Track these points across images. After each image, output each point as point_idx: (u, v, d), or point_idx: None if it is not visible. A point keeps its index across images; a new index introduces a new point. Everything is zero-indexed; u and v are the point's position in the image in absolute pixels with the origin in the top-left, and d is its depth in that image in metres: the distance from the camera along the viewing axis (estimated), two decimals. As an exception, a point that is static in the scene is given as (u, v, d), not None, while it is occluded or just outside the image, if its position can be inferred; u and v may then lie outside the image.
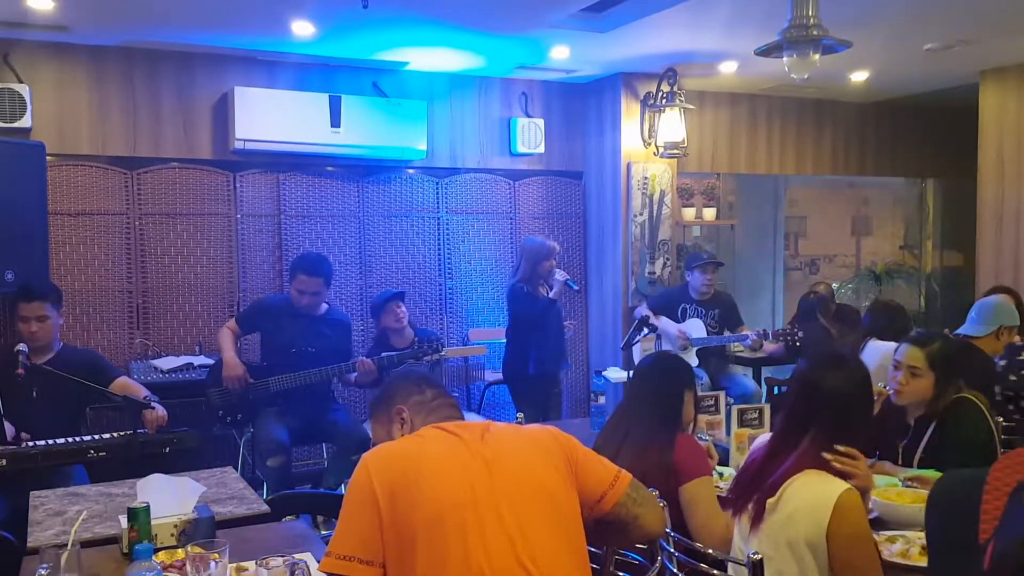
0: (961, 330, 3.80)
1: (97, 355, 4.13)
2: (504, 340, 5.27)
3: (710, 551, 2.14)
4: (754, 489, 2.16)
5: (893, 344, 4.10)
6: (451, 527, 1.64)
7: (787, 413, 2.21)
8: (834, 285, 6.94)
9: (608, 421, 2.89)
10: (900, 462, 2.90)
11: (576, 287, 5.18)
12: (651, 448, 2.60)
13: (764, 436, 2.38)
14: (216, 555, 1.94)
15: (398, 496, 1.67)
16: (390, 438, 1.94)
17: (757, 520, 2.11)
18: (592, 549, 2.62)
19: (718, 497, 2.53)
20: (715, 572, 2.12)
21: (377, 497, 1.67)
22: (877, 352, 4.01)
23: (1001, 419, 3.12)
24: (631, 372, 4.62)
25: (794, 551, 2.00)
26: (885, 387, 2.99)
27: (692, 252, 6.05)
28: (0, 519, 3.20)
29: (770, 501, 2.09)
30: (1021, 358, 3.64)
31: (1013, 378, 3.63)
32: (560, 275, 5.00)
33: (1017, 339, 3.81)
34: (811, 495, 2.02)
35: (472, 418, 4.87)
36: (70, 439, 3.54)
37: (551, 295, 4.99)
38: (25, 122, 4.68)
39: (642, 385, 2.80)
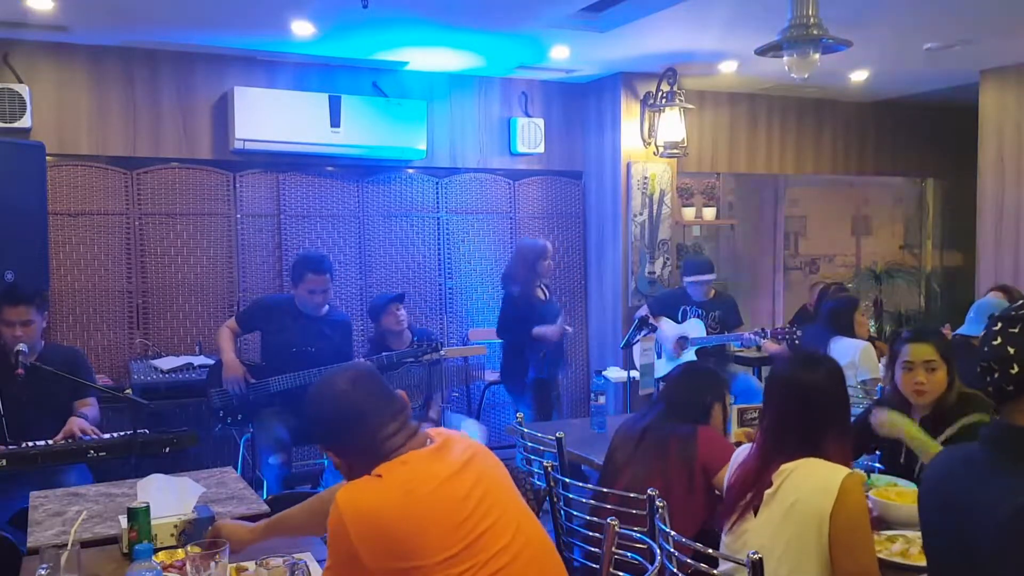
0: (961, 330, 3.81)
1: (81, 356, 4.04)
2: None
3: (710, 551, 2.14)
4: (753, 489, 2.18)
5: (859, 341, 4.28)
6: None
7: (775, 417, 2.22)
8: (843, 284, 6.94)
9: (626, 422, 2.90)
10: (903, 460, 2.89)
11: (571, 329, 5.23)
12: (672, 441, 2.62)
13: (743, 448, 2.39)
14: (216, 555, 1.94)
15: (391, 564, 1.62)
16: (349, 469, 1.80)
17: (751, 510, 2.14)
18: (591, 549, 2.64)
19: (718, 503, 2.53)
20: (715, 572, 2.12)
21: (366, 564, 1.62)
22: (846, 350, 4.12)
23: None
24: (639, 371, 4.64)
25: (801, 537, 2.03)
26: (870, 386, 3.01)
27: (687, 258, 6.03)
28: (0, 519, 3.20)
29: (768, 492, 2.12)
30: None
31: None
32: (559, 327, 4.99)
33: None
34: (815, 480, 2.06)
35: (467, 425, 4.90)
36: (70, 439, 3.54)
37: (547, 335, 4.94)
38: (25, 122, 4.68)
39: (669, 392, 2.86)
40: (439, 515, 1.66)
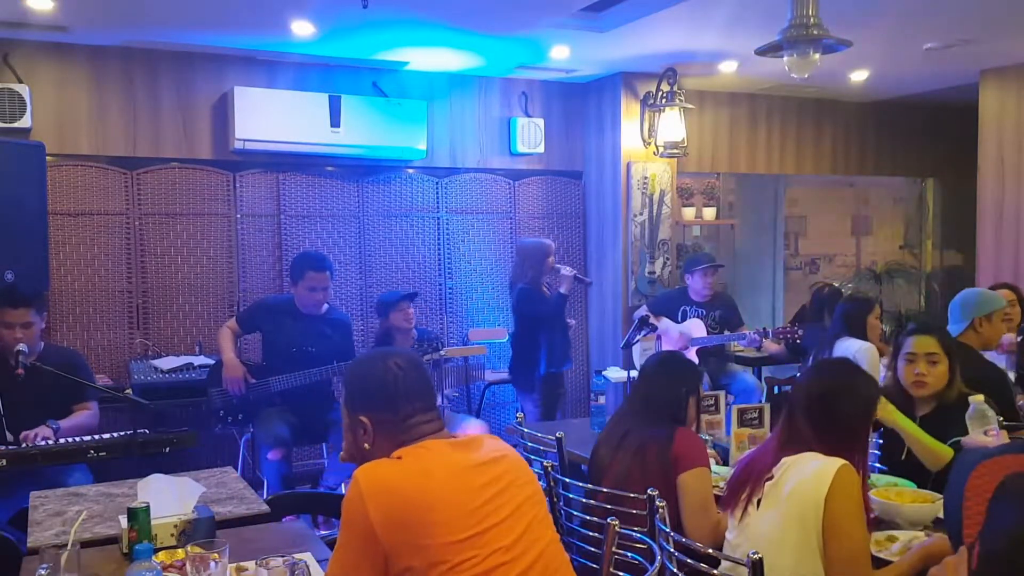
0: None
1: (80, 358, 4.05)
2: (504, 340, 5.27)
3: (710, 551, 2.15)
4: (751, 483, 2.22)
5: (862, 342, 4.21)
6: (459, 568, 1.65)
7: (783, 418, 2.28)
8: (835, 284, 6.94)
9: (610, 420, 2.89)
10: (904, 457, 2.89)
11: (590, 281, 5.20)
12: (650, 446, 2.61)
13: (748, 454, 2.41)
14: (216, 555, 1.94)
15: (402, 540, 1.64)
16: (354, 439, 1.85)
17: (754, 503, 2.17)
18: (590, 548, 2.64)
19: (716, 497, 2.54)
20: (715, 572, 2.13)
21: (379, 539, 1.63)
22: (846, 351, 4.07)
23: (1001, 418, 3.11)
24: (637, 370, 4.64)
25: (801, 526, 2.05)
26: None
27: (689, 255, 6.03)
28: (0, 519, 3.20)
29: (768, 484, 2.15)
30: None
31: None
32: (567, 270, 5.03)
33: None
34: (812, 468, 2.09)
35: (469, 423, 4.91)
36: (69, 439, 3.54)
37: (561, 290, 5.01)
38: (25, 122, 4.67)
39: (644, 385, 2.81)
40: (452, 498, 1.69)
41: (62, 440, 3.54)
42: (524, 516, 1.78)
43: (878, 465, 2.92)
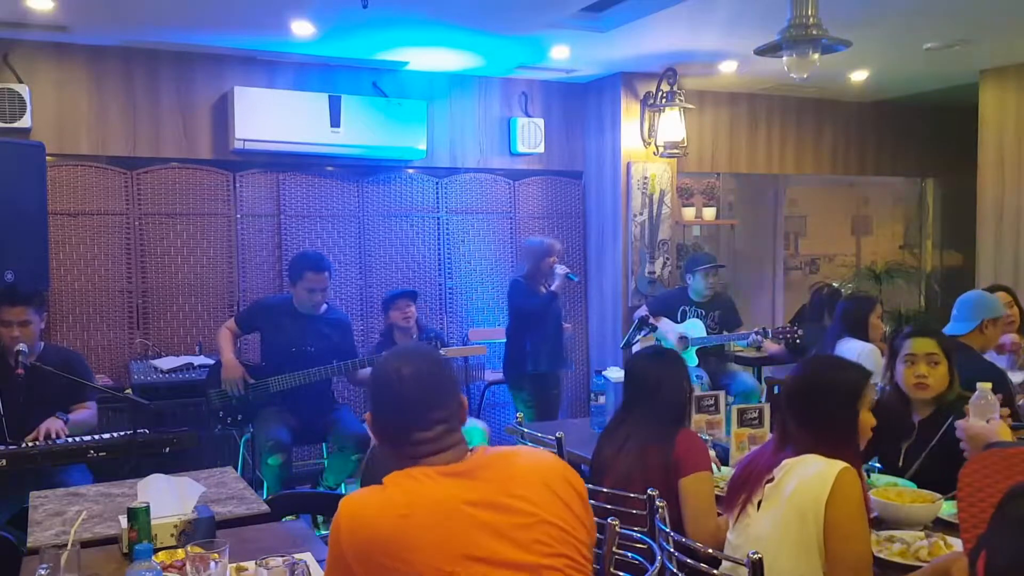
0: (946, 329, 3.72)
1: (80, 360, 4.04)
2: (504, 339, 5.28)
3: (710, 551, 2.15)
4: (750, 484, 2.23)
5: (864, 344, 4.17)
6: None
7: (780, 416, 2.30)
8: (834, 285, 6.94)
9: (610, 423, 2.88)
10: (902, 463, 2.89)
11: (577, 279, 5.24)
12: (652, 448, 2.61)
13: (747, 456, 2.42)
14: (216, 555, 1.94)
15: (375, 569, 1.57)
16: (379, 441, 1.82)
17: (754, 504, 2.18)
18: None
19: (718, 497, 2.54)
20: (714, 572, 2.13)
21: (354, 570, 1.59)
22: (849, 353, 4.02)
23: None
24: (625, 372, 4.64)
25: (801, 527, 2.06)
26: (884, 387, 2.98)
27: (691, 255, 6.03)
28: (0, 519, 3.20)
29: (769, 486, 2.15)
30: None
31: None
32: (560, 269, 5.05)
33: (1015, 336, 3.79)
34: (813, 470, 2.09)
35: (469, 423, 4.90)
36: (70, 439, 3.54)
37: (552, 288, 5.04)
38: (25, 122, 4.67)
39: (641, 383, 2.79)
40: (434, 539, 1.56)
41: (61, 440, 3.54)
42: (531, 559, 1.59)
43: (877, 465, 2.91)
